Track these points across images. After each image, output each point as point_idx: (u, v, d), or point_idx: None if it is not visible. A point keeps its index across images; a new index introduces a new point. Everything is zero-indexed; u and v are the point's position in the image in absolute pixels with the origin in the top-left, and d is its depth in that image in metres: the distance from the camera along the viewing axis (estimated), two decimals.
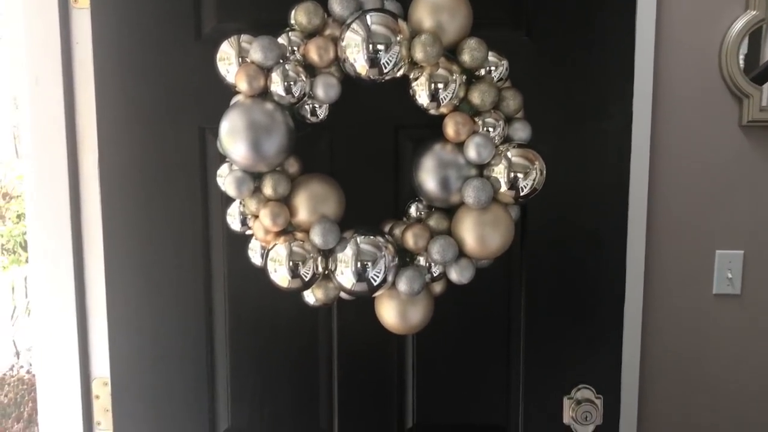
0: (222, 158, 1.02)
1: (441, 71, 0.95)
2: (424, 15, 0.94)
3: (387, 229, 1.04)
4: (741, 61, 1.50)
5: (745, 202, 1.54)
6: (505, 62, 0.99)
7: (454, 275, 1.00)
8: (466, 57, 0.95)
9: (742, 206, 1.54)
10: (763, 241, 1.56)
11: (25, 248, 5.61)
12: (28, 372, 3.72)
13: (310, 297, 1.03)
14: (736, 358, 1.59)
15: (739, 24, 1.49)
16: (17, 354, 3.90)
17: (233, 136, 0.94)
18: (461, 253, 0.99)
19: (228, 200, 1.02)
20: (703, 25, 1.47)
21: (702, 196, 1.52)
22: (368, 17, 0.92)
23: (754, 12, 1.48)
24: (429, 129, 1.01)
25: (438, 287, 1.04)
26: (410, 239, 0.99)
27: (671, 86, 1.46)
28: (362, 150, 1.08)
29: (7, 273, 4.42)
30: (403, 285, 0.98)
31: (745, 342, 1.59)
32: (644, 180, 1.47)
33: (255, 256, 1.04)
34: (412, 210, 1.06)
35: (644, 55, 1.43)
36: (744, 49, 1.52)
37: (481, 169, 0.98)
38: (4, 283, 4.10)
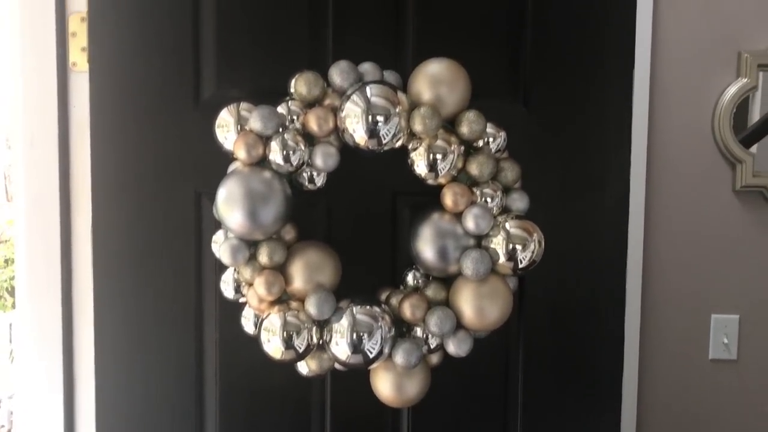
0: (217, 223, 1.00)
1: (440, 142, 0.95)
2: (423, 87, 0.95)
3: (384, 298, 1.03)
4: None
5: (740, 267, 1.54)
6: (503, 133, 0.99)
7: (452, 348, 0.98)
8: (464, 129, 0.95)
9: (737, 270, 1.54)
10: (758, 306, 1.55)
11: (11, 293, 5.53)
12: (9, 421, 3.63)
13: (304, 368, 1.01)
14: (734, 424, 1.57)
15: (731, 91, 1.51)
16: None
17: (230, 204, 0.93)
18: (459, 325, 0.98)
19: (222, 266, 1.00)
20: (696, 93, 1.49)
21: (697, 260, 1.52)
22: (368, 89, 0.92)
23: (746, 79, 1.51)
24: (427, 196, 1.01)
25: (435, 358, 1.02)
26: (407, 310, 0.97)
27: (665, 153, 1.47)
28: (360, 216, 1.07)
29: None
30: (399, 358, 0.96)
31: (743, 408, 1.58)
32: (639, 244, 1.47)
33: (248, 324, 1.02)
34: (410, 278, 1.05)
35: (639, 122, 1.45)
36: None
37: (480, 240, 0.98)
38: None
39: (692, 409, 1.56)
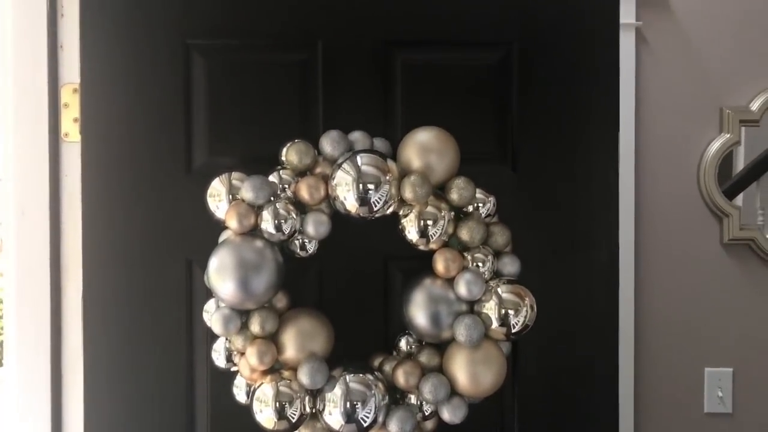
0: (208, 291, 1.00)
1: (430, 209, 0.96)
2: (413, 155, 0.96)
3: (377, 364, 1.02)
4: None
5: (731, 320, 1.54)
6: (492, 199, 1.00)
7: (447, 415, 0.97)
8: (454, 195, 0.96)
9: (729, 324, 1.54)
10: (751, 358, 1.56)
11: None
12: None
13: None
14: None
15: (714, 146, 1.54)
16: None
17: (222, 274, 0.93)
18: (453, 392, 0.97)
19: (213, 335, 1.00)
20: (681, 149, 1.52)
21: (688, 315, 1.52)
22: (358, 158, 0.94)
23: (728, 135, 1.54)
24: (418, 260, 1.01)
25: (429, 425, 1.01)
26: (401, 377, 0.97)
27: (653, 210, 1.49)
28: (352, 282, 1.07)
29: None
30: (394, 426, 0.95)
31: None
32: (630, 302, 1.48)
33: (240, 394, 1.00)
34: (402, 344, 1.04)
35: (625, 180, 1.47)
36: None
37: (472, 305, 0.98)
38: None
39: None
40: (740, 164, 1.61)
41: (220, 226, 0.99)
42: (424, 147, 0.96)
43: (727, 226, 1.54)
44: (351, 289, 1.07)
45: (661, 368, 1.53)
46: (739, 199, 1.60)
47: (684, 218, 1.53)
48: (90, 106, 1.07)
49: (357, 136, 1.00)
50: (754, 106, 1.55)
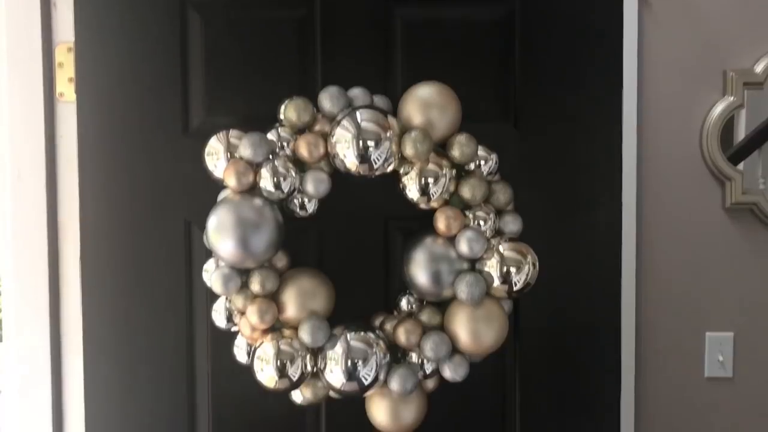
0: (208, 252, 0.99)
1: (431, 166, 0.94)
2: (413, 111, 0.95)
3: (378, 323, 1.02)
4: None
5: (733, 284, 1.53)
6: (494, 156, 0.99)
7: (448, 372, 0.97)
8: (455, 152, 0.95)
9: (730, 288, 1.53)
10: (752, 323, 1.55)
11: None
12: None
13: (298, 396, 0.99)
14: None
15: (717, 109, 1.52)
16: None
17: (221, 233, 0.92)
18: (455, 350, 0.97)
19: (214, 295, 0.99)
20: (684, 112, 1.50)
21: (690, 279, 1.51)
22: (358, 114, 0.92)
23: (732, 98, 1.52)
24: (419, 221, 1.00)
25: (431, 384, 1.01)
26: (402, 336, 0.96)
27: (655, 172, 1.47)
28: (352, 242, 1.07)
29: None
30: (395, 384, 0.95)
31: (740, 425, 1.56)
32: (632, 264, 1.47)
33: (241, 353, 1.00)
34: (403, 303, 1.03)
35: (628, 142, 1.45)
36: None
37: (473, 263, 0.97)
38: None
39: (689, 428, 1.55)
40: (742, 128, 1.59)
41: (219, 185, 0.98)
42: (425, 102, 0.95)
43: (729, 190, 1.52)
44: (351, 250, 1.07)
45: (661, 332, 1.52)
46: (742, 165, 1.58)
47: (686, 182, 1.51)
48: (85, 65, 1.05)
49: (357, 93, 0.98)
50: (759, 68, 1.52)
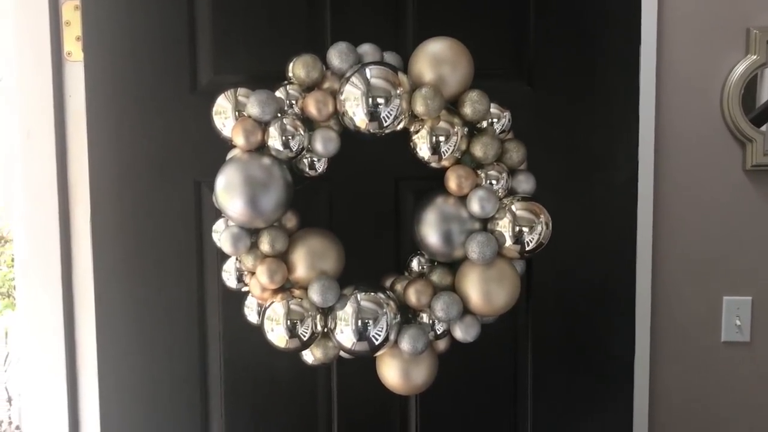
0: (218, 212, 0.98)
1: (442, 124, 0.92)
2: (424, 68, 0.92)
3: (388, 284, 1.01)
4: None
5: (752, 248, 1.51)
6: (507, 114, 0.97)
7: (459, 333, 0.96)
8: (467, 110, 0.93)
9: (749, 252, 1.51)
10: None
11: None
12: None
13: (309, 356, 0.99)
14: (747, 407, 1.55)
15: (740, 68, 1.48)
16: (9, 400, 3.82)
17: (230, 192, 0.91)
18: (466, 310, 0.96)
19: (224, 256, 0.99)
20: (704, 71, 1.46)
21: (707, 242, 1.49)
22: (367, 71, 0.90)
23: (755, 56, 1.48)
24: (430, 181, 0.99)
25: (442, 345, 1.00)
26: (413, 296, 0.95)
27: (673, 133, 1.45)
28: (362, 203, 1.05)
29: (1, 317, 4.34)
30: (406, 344, 0.94)
31: (756, 390, 1.55)
32: (648, 226, 1.45)
33: (251, 314, 1.00)
34: (414, 264, 1.03)
35: (646, 102, 1.42)
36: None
37: (485, 223, 0.95)
38: None
39: (705, 391, 1.54)
40: (766, 88, 1.55)
41: (228, 145, 0.97)
42: (436, 58, 0.92)
43: (750, 152, 1.49)
44: (361, 210, 1.06)
45: (678, 296, 1.51)
46: (765, 127, 1.54)
47: (705, 143, 1.48)
48: (92, 23, 1.03)
49: (366, 49, 0.96)
50: None
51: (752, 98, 1.54)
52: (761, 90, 1.55)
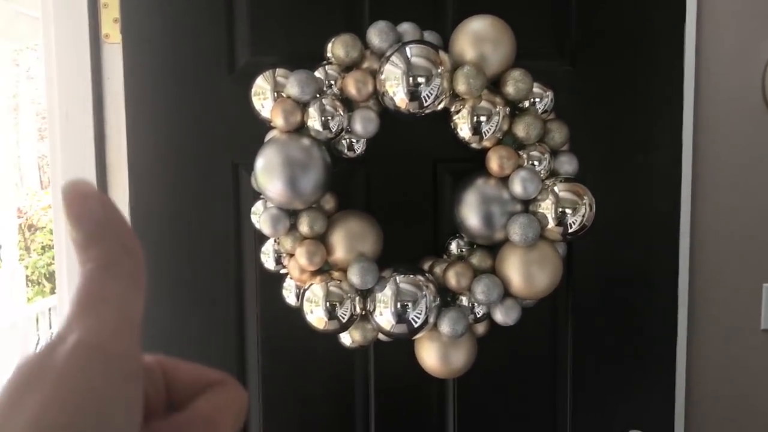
0: (255, 195, 0.98)
1: (484, 103, 0.91)
2: (466, 46, 0.91)
3: (427, 267, 1.00)
4: None
5: None
6: (550, 93, 0.95)
7: (500, 316, 0.95)
8: (510, 89, 0.91)
9: None
10: None
11: (49, 279, 5.63)
12: None
13: (347, 338, 0.99)
14: None
15: None
16: None
17: (269, 173, 0.90)
18: (506, 293, 0.95)
19: (262, 238, 0.98)
20: (745, 53, 1.42)
21: (748, 228, 1.46)
22: (408, 49, 0.89)
23: None
24: (469, 163, 0.98)
25: (481, 328, 0.99)
26: (452, 278, 0.94)
27: (713, 116, 1.41)
28: (400, 185, 1.04)
29: (32, 305, 4.42)
30: (445, 327, 0.93)
31: None
32: (687, 211, 1.42)
33: (290, 296, 1.00)
34: (453, 247, 1.01)
35: (685, 84, 1.39)
36: None
37: (527, 205, 0.94)
38: (29, 314, 4.10)
39: (744, 380, 1.51)
40: None
41: (267, 126, 0.96)
42: (478, 36, 0.91)
43: None
44: (400, 193, 1.05)
45: (717, 282, 1.48)
46: None
47: (746, 124, 1.45)
48: (129, 5, 1.03)
49: (406, 28, 0.94)
50: None
51: None
52: None
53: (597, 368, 1.08)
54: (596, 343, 1.07)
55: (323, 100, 0.91)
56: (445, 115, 0.94)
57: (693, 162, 1.42)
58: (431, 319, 0.93)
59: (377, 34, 0.92)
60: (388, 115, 0.94)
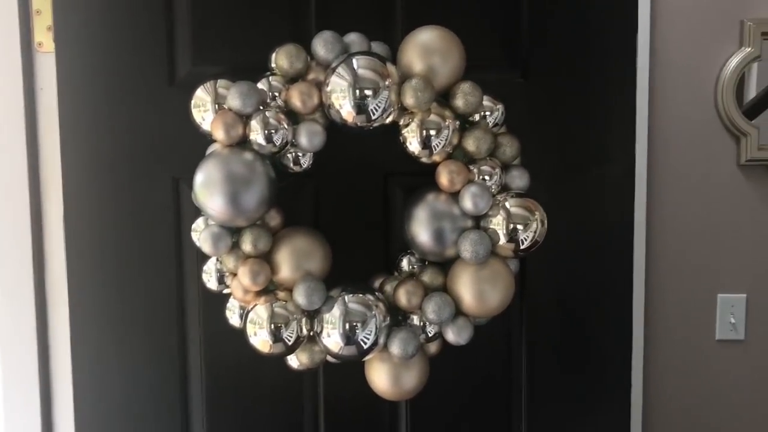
0: (197, 211, 0.94)
1: (433, 117, 0.88)
2: (414, 58, 0.88)
3: (377, 285, 0.97)
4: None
5: (747, 244, 1.48)
6: (500, 107, 0.93)
7: (452, 336, 0.92)
8: (459, 102, 0.89)
9: (744, 248, 1.49)
10: (766, 284, 1.51)
11: None
12: None
13: (294, 361, 0.95)
14: (741, 406, 1.53)
15: (734, 61, 1.46)
16: None
17: (209, 189, 0.86)
18: (458, 312, 0.92)
19: (204, 256, 0.94)
20: (698, 64, 1.43)
21: (702, 238, 1.46)
22: (354, 61, 0.86)
23: (749, 49, 1.45)
24: (421, 177, 0.95)
25: (433, 348, 0.96)
26: (403, 297, 0.91)
27: (667, 127, 1.42)
28: (349, 200, 1.01)
29: None
30: (396, 348, 0.90)
31: (751, 389, 1.53)
32: (642, 223, 1.42)
33: (233, 317, 0.95)
34: (404, 264, 0.98)
35: (639, 95, 1.38)
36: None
37: (478, 221, 0.91)
38: None
39: (699, 390, 1.52)
40: (754, 81, 1.52)
41: (207, 139, 0.92)
42: (427, 48, 0.88)
43: (744, 146, 1.46)
44: (349, 208, 1.01)
45: (672, 293, 1.48)
46: (759, 120, 1.52)
47: (699, 137, 1.45)
48: (63, 12, 0.98)
49: (353, 38, 0.91)
50: None
51: (746, 90, 1.51)
52: (749, 83, 1.52)
53: (552, 386, 1.06)
54: (551, 359, 1.05)
55: (266, 113, 0.87)
56: (395, 128, 0.91)
57: (648, 174, 1.42)
58: (381, 340, 0.90)
59: (323, 45, 0.89)
60: (336, 127, 0.91)
